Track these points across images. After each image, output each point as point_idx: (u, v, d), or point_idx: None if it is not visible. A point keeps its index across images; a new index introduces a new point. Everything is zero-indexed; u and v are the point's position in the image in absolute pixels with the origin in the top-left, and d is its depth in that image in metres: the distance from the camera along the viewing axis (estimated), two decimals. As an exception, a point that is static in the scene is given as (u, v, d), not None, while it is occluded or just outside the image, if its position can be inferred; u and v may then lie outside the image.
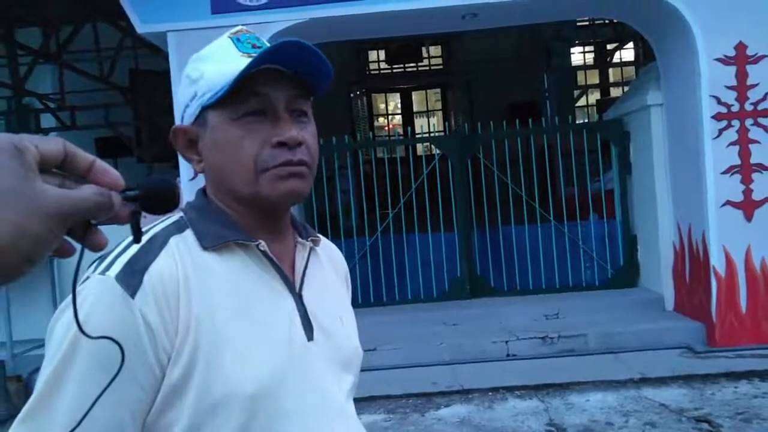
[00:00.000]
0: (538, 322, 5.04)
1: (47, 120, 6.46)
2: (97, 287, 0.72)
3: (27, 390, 4.22)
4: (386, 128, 11.22)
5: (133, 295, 0.71)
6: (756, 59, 4.45)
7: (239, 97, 0.79)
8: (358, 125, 10.05)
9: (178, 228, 0.81)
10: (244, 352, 0.76)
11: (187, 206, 0.86)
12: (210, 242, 0.80)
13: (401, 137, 6.77)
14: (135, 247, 0.75)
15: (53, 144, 0.45)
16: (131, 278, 0.72)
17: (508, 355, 4.65)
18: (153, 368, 0.72)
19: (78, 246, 0.49)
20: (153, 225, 0.81)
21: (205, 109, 0.81)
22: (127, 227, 0.54)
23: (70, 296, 0.58)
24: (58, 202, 0.43)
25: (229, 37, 0.82)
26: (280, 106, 0.81)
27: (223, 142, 0.81)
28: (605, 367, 4.30)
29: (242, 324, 0.78)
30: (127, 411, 0.71)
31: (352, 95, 10.19)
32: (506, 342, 4.68)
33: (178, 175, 4.62)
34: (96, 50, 6.32)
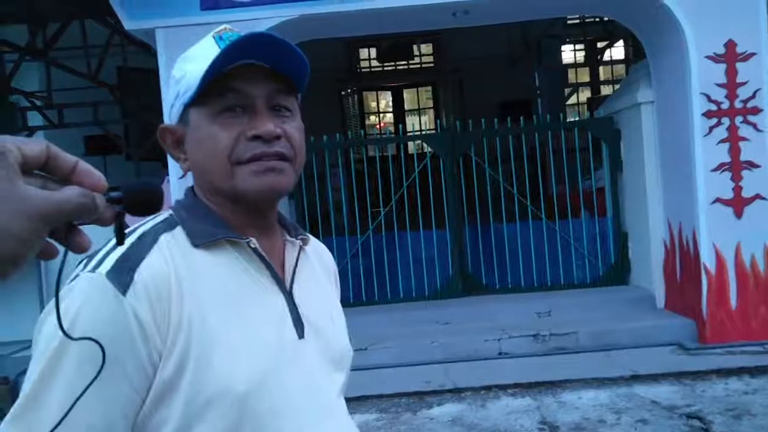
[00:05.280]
0: (529, 320, 5.04)
1: (34, 118, 6.37)
2: (87, 285, 0.71)
3: (14, 392, 4.17)
4: (377, 126, 11.19)
5: (124, 292, 0.71)
6: (746, 57, 4.47)
7: (217, 93, 0.80)
8: (350, 123, 10.01)
9: (168, 226, 0.80)
10: (235, 350, 0.76)
11: (177, 204, 0.86)
12: (201, 239, 0.80)
13: (392, 135, 6.75)
14: (124, 245, 0.75)
15: (35, 146, 0.45)
16: (122, 275, 0.72)
17: (500, 354, 4.65)
18: (145, 366, 0.71)
19: (61, 248, 0.49)
20: (142, 223, 0.80)
21: (187, 107, 0.82)
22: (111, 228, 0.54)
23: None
24: (41, 204, 0.43)
25: (212, 36, 0.83)
26: (258, 101, 0.81)
27: (202, 139, 0.81)
28: (597, 365, 4.31)
29: (233, 322, 0.77)
30: (117, 410, 0.70)
31: (343, 93, 10.15)
32: (498, 340, 4.67)
33: (167, 174, 4.57)
34: (84, 47, 6.25)
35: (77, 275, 0.73)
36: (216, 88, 0.79)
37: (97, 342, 0.61)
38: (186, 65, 0.83)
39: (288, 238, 0.89)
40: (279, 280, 0.84)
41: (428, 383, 4.17)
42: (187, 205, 0.85)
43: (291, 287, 0.85)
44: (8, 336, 4.83)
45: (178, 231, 0.80)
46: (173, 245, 0.78)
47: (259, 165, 0.80)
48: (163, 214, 0.83)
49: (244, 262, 0.82)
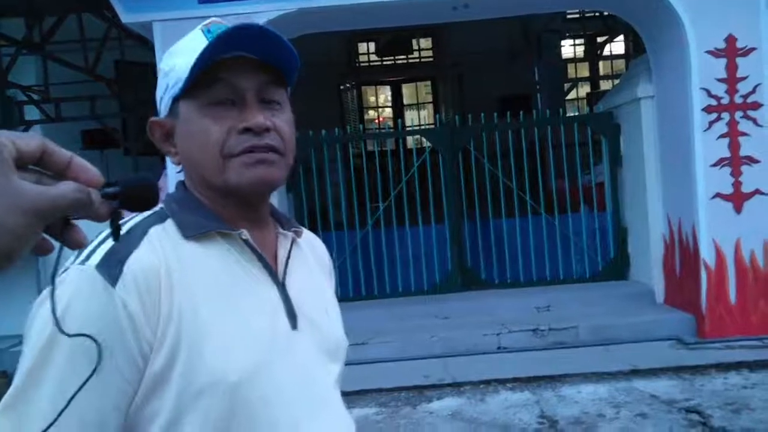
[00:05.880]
0: (529, 315, 5.05)
1: (31, 112, 6.34)
2: (76, 278, 0.71)
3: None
4: (376, 121, 11.17)
5: (113, 284, 0.71)
6: (746, 52, 4.46)
7: (206, 86, 0.79)
8: (348, 118, 9.99)
9: (158, 218, 0.80)
10: (227, 341, 0.75)
11: (168, 198, 0.86)
12: (191, 231, 0.80)
13: (391, 130, 6.74)
14: None
15: (30, 140, 0.45)
16: (112, 268, 0.72)
17: (499, 348, 4.65)
18: (135, 358, 0.71)
19: (57, 243, 0.49)
20: (132, 216, 0.80)
21: (176, 100, 0.82)
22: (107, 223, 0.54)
23: (49, 289, 0.58)
24: (35, 199, 0.43)
25: (200, 28, 0.82)
26: (248, 93, 0.80)
27: (192, 132, 0.81)
28: (596, 359, 4.31)
29: (225, 313, 0.77)
30: (109, 402, 0.70)
31: (341, 88, 10.12)
32: (497, 335, 4.68)
33: (165, 168, 4.56)
34: (81, 41, 6.21)
35: (67, 268, 0.73)
36: (205, 80, 0.79)
37: (93, 339, 0.61)
38: (174, 58, 0.82)
39: (281, 230, 0.89)
40: (271, 272, 0.84)
41: (427, 377, 4.17)
42: (178, 198, 0.85)
43: (284, 279, 0.85)
44: (6, 330, 4.81)
45: (169, 223, 0.80)
46: (164, 237, 0.78)
47: (250, 157, 0.79)
48: (155, 207, 0.83)
49: (235, 253, 0.82)
